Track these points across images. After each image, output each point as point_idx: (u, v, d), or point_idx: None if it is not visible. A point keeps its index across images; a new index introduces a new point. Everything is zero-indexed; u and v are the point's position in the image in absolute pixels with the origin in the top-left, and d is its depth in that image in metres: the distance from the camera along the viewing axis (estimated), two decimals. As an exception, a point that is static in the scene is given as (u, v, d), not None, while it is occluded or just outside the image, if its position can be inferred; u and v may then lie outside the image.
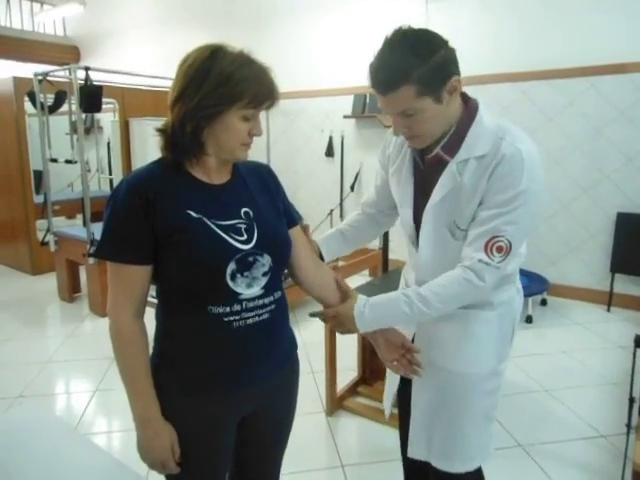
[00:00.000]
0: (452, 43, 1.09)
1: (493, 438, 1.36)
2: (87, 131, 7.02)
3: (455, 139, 1.17)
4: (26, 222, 4.90)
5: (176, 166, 1.03)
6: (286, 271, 1.23)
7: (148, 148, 5.45)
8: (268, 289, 1.08)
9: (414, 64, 1.04)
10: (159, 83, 4.94)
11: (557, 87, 3.99)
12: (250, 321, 1.04)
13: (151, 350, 1.08)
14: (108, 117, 6.11)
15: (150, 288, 1.05)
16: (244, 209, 1.07)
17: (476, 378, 1.26)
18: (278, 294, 1.12)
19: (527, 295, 3.66)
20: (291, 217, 1.21)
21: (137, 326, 1.02)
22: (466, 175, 1.15)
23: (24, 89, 4.45)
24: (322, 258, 1.40)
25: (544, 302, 4.02)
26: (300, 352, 1.25)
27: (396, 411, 1.57)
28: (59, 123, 4.67)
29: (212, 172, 1.05)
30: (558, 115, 4.03)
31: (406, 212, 1.31)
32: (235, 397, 1.08)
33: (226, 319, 1.02)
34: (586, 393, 2.71)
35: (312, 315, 1.28)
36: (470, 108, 1.18)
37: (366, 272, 4.44)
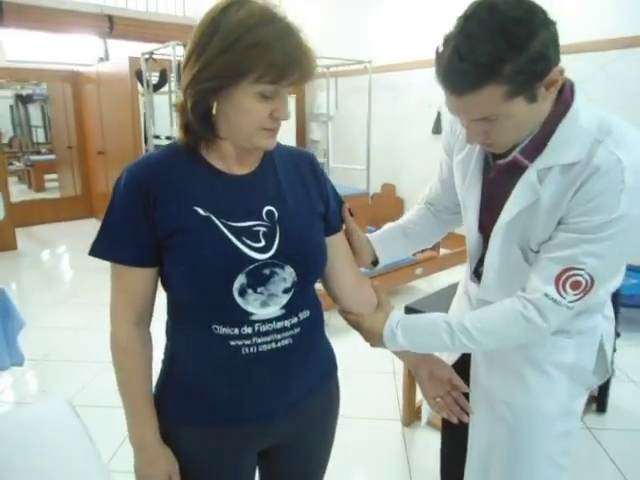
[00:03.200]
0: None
1: None
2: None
3: (539, 140, 0.87)
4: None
5: (190, 151, 0.85)
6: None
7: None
8: (291, 309, 0.87)
9: (506, 56, 0.75)
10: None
11: None
12: (264, 348, 0.85)
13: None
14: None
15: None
16: (267, 208, 0.86)
17: (543, 416, 1.04)
18: (305, 314, 0.90)
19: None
20: (333, 222, 0.98)
21: (137, 336, 0.87)
22: (547, 187, 0.87)
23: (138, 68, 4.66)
24: (376, 260, 1.16)
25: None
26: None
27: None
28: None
29: (232, 159, 0.86)
30: None
31: (471, 221, 1.04)
32: (247, 432, 0.91)
33: (233, 343, 0.84)
34: None
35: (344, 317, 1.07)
36: (563, 99, 0.86)
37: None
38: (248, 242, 0.82)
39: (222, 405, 0.88)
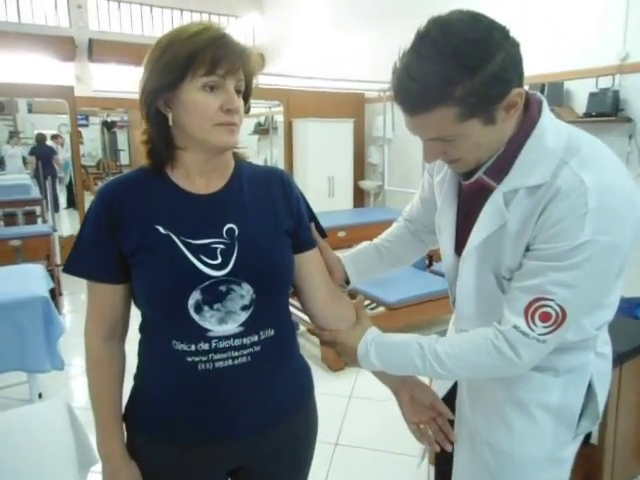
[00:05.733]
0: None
1: None
2: (266, 131, 7.66)
3: (504, 160, 0.83)
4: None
5: (156, 172, 0.89)
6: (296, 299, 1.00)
7: (308, 147, 5.60)
8: (251, 327, 0.86)
9: (457, 78, 0.72)
10: (322, 84, 5.01)
11: None
12: (220, 364, 0.85)
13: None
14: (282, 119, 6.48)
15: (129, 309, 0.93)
16: (228, 225, 0.86)
17: (526, 462, 0.96)
18: (268, 333, 0.89)
19: None
20: (305, 239, 0.97)
21: (106, 351, 0.91)
22: (513, 210, 0.82)
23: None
24: (348, 281, 1.12)
25: None
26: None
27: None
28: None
29: (196, 177, 0.88)
30: None
31: (446, 243, 0.99)
32: (211, 450, 0.90)
33: (190, 359, 0.85)
34: None
35: (310, 331, 1.04)
36: (529, 117, 0.81)
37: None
38: (204, 259, 0.83)
39: (183, 421, 0.88)
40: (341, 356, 1.01)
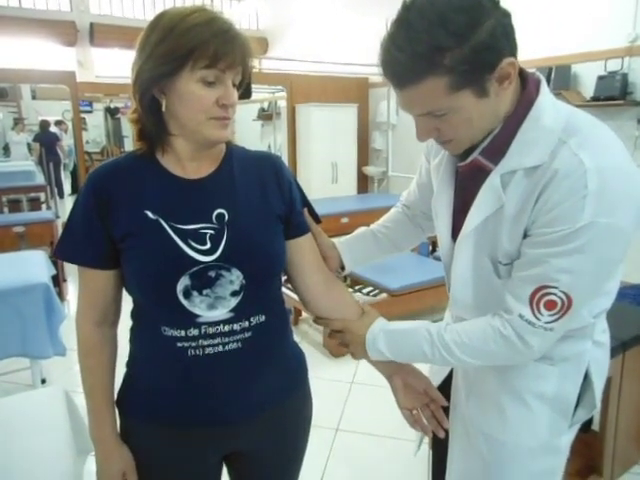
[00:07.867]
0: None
1: None
2: (270, 117, 7.60)
3: (501, 140, 0.80)
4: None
5: (147, 157, 0.87)
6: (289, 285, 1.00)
7: (311, 133, 5.55)
8: (241, 312, 0.85)
9: (446, 46, 0.69)
10: (325, 68, 4.94)
11: None
12: (210, 350, 0.84)
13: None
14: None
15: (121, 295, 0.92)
16: (218, 210, 0.85)
17: (519, 451, 0.94)
18: (259, 319, 0.88)
19: None
20: (298, 224, 0.96)
21: (98, 336, 0.90)
22: (511, 193, 0.79)
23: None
24: (344, 266, 1.10)
25: None
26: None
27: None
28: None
29: (186, 162, 0.86)
30: None
31: (442, 228, 0.96)
32: (203, 435, 0.90)
33: (180, 344, 0.84)
34: None
35: (316, 321, 1.03)
36: (526, 96, 0.79)
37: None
38: (193, 244, 0.82)
39: (174, 406, 0.88)
40: (349, 346, 0.99)
